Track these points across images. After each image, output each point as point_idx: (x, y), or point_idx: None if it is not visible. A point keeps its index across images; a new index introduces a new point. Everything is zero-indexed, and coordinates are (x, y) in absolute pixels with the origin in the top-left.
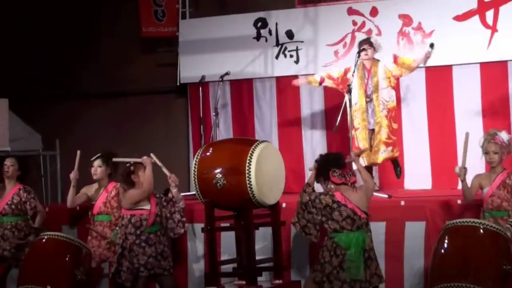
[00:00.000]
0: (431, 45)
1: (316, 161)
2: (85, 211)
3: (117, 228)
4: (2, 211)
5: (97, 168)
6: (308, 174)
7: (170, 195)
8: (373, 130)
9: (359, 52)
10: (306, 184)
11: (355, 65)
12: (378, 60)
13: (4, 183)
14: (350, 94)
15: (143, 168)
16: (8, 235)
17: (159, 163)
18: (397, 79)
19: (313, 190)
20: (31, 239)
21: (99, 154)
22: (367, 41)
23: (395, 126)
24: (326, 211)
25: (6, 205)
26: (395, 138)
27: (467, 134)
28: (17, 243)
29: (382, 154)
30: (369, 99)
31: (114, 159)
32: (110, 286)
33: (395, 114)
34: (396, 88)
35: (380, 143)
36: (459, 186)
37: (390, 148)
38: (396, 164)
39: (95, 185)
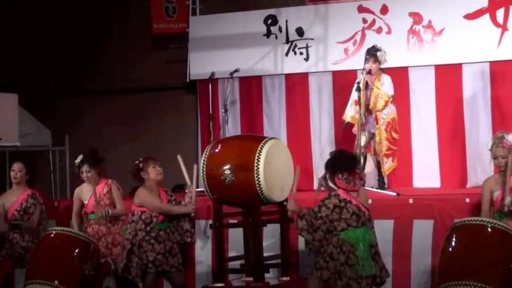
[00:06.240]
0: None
1: (325, 165)
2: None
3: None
4: (12, 217)
5: (87, 173)
6: (316, 172)
7: (183, 202)
8: (373, 134)
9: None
10: (298, 213)
11: (365, 64)
12: (382, 70)
13: (15, 188)
14: (359, 91)
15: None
16: (18, 239)
17: (184, 169)
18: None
19: (309, 209)
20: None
21: (81, 157)
22: (373, 55)
23: (395, 135)
24: (336, 212)
25: (15, 211)
26: (396, 148)
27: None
28: (24, 244)
29: (385, 165)
30: (368, 111)
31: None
32: (117, 282)
33: (395, 124)
34: (405, 86)
35: (382, 156)
36: (468, 185)
37: (390, 159)
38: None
39: (85, 185)
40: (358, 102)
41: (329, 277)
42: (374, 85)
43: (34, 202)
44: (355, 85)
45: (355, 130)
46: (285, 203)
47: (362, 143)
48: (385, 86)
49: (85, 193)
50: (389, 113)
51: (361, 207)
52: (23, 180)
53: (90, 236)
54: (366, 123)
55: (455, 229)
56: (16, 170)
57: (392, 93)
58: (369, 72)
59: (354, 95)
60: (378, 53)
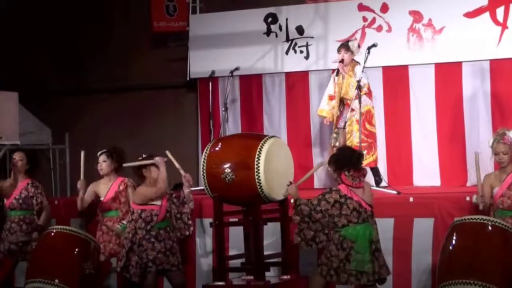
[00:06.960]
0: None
1: (329, 162)
2: (93, 204)
3: (124, 222)
4: (10, 205)
5: (102, 163)
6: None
7: (182, 194)
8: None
9: (369, 48)
10: (295, 201)
11: (365, 61)
12: (357, 63)
13: (15, 177)
14: (360, 90)
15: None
16: (15, 229)
17: (175, 162)
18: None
19: (307, 199)
20: (34, 236)
21: (104, 150)
22: (344, 46)
23: (370, 128)
24: (336, 207)
25: (14, 200)
26: (371, 141)
27: (476, 154)
28: (23, 239)
29: None
30: (342, 104)
31: (125, 165)
32: (118, 281)
33: (370, 116)
34: (405, 85)
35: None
36: (468, 183)
37: (365, 152)
38: (375, 173)
39: (102, 181)
40: (359, 102)
41: (327, 273)
42: (347, 74)
43: (36, 192)
44: (331, 79)
45: (327, 121)
46: (288, 184)
47: (338, 143)
48: (358, 76)
49: (102, 188)
50: (363, 104)
51: (362, 203)
52: (23, 169)
53: (90, 234)
54: (341, 117)
55: (455, 227)
56: (17, 158)
57: (365, 81)
58: (342, 61)
59: (329, 89)
60: (350, 43)
